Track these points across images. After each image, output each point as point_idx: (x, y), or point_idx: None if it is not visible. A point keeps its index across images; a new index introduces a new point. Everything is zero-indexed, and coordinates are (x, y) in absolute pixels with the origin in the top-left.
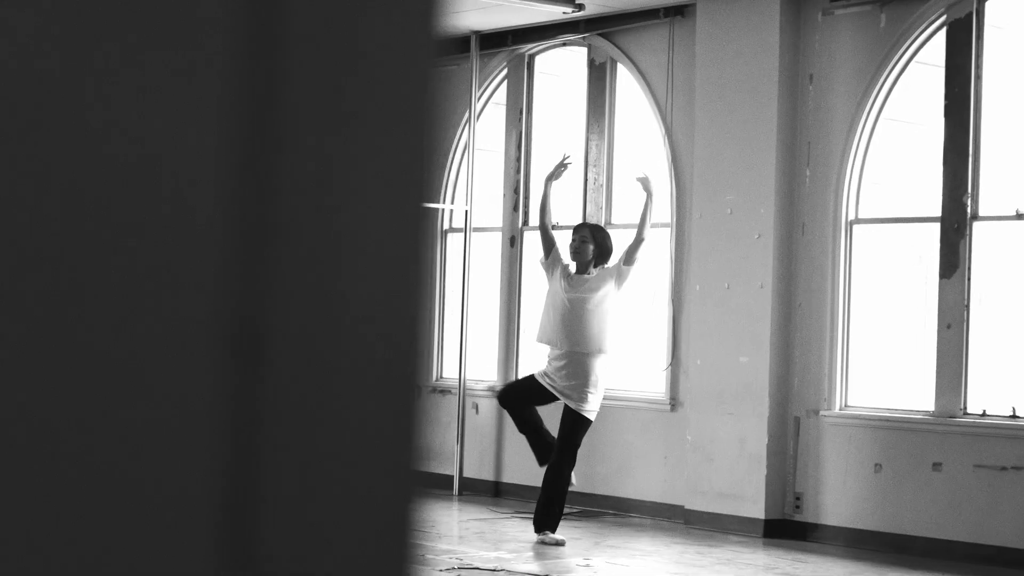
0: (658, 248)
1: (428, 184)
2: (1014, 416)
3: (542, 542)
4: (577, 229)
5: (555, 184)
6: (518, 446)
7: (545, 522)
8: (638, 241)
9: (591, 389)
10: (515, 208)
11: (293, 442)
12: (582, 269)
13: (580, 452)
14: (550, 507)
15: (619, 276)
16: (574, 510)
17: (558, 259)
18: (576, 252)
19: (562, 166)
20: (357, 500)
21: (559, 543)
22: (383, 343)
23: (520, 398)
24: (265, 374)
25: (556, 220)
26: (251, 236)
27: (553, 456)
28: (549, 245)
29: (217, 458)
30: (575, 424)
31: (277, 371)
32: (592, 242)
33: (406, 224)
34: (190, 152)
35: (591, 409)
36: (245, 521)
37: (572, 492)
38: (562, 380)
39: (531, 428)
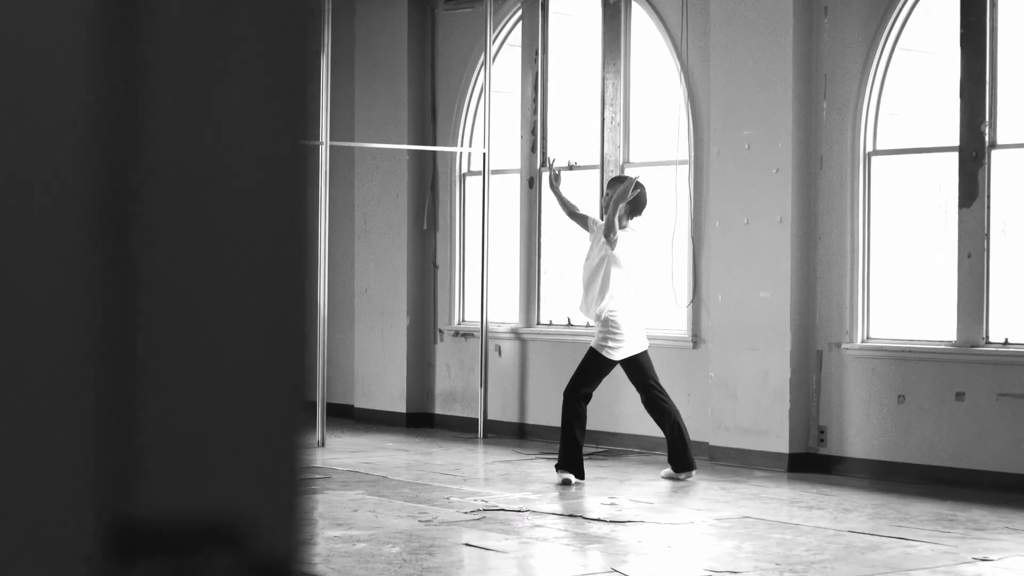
0: (677, 185)
1: (306, 122)
2: None
3: (565, 482)
4: (611, 186)
5: (562, 182)
6: (542, 388)
7: (561, 461)
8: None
9: (606, 337)
10: (533, 149)
11: (169, 376)
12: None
13: (605, 391)
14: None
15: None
16: (599, 450)
17: (591, 223)
18: (606, 208)
19: (557, 171)
20: (239, 432)
21: (565, 482)
22: (264, 271)
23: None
24: (141, 313)
25: (576, 206)
26: (121, 174)
27: (565, 389)
28: (584, 222)
29: (91, 397)
30: (589, 356)
31: (152, 307)
32: (639, 214)
33: (282, 159)
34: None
35: (604, 346)
36: (121, 457)
37: (599, 432)
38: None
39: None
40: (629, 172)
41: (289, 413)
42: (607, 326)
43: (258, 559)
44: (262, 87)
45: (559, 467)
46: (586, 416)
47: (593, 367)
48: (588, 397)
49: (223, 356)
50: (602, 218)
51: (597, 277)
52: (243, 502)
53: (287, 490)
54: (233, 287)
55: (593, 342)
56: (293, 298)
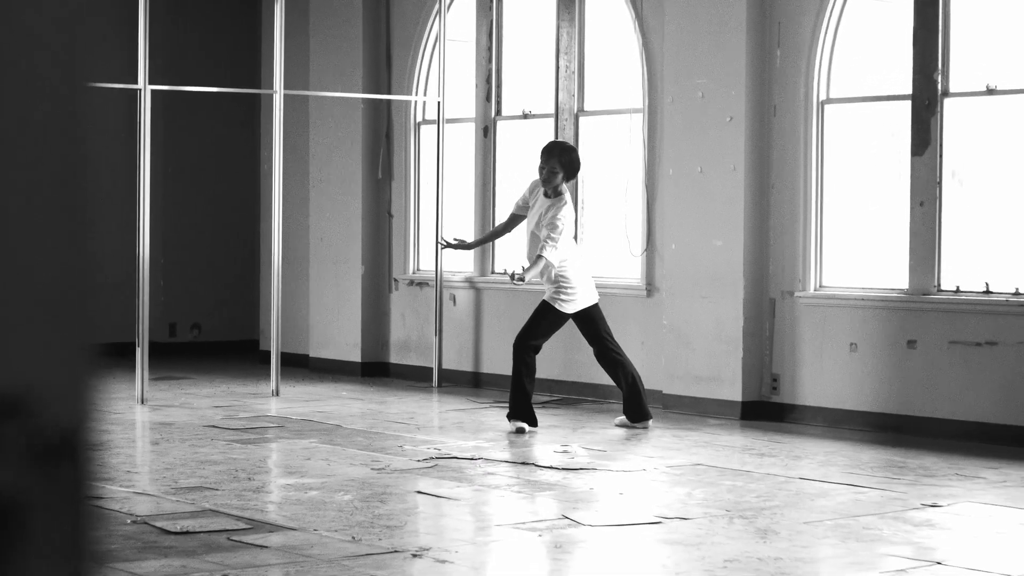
0: (631, 134)
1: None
2: (988, 291)
3: (518, 430)
4: (545, 157)
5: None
6: (496, 337)
7: (512, 410)
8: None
9: (559, 291)
10: (488, 98)
11: None
12: (548, 193)
13: (559, 340)
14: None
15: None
16: (553, 398)
17: (523, 197)
18: (546, 181)
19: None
20: (26, 309)
21: (518, 431)
22: (50, 171)
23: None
24: None
25: (505, 222)
26: None
27: (515, 339)
28: (522, 210)
29: None
30: (542, 308)
31: None
32: (561, 170)
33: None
34: None
35: (557, 299)
36: None
37: (553, 380)
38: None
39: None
40: (583, 121)
41: (75, 292)
42: (558, 282)
43: (46, 430)
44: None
45: (511, 416)
46: (535, 366)
47: (545, 320)
48: (538, 348)
49: (9, 239)
50: (547, 192)
51: (541, 237)
52: (31, 376)
53: (74, 365)
54: (23, 182)
55: (546, 295)
56: (74, 191)
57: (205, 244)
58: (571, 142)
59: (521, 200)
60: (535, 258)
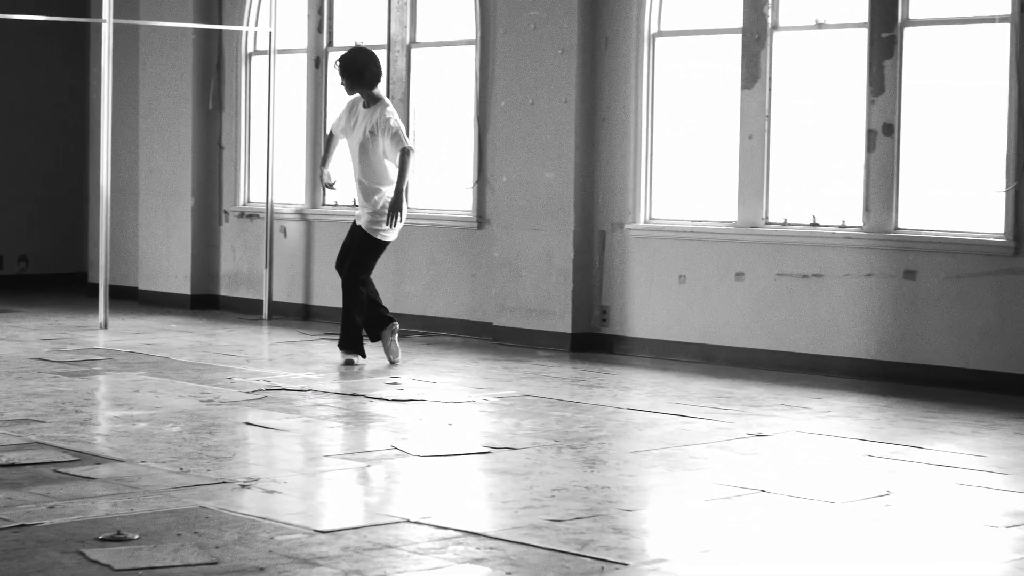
0: (463, 66)
1: None
2: (814, 224)
3: (348, 362)
4: (339, 71)
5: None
6: (327, 269)
7: (343, 341)
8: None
9: (378, 218)
10: (319, 29)
11: None
12: (365, 103)
13: (387, 271)
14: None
15: (382, 135)
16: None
17: (340, 117)
18: (349, 91)
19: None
20: None
21: (348, 362)
22: None
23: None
24: None
25: (330, 144)
26: None
27: (344, 274)
28: (332, 136)
29: None
30: (363, 242)
31: None
32: (347, 78)
33: None
34: None
35: (378, 229)
36: None
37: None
38: (360, 207)
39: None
40: (416, 52)
41: None
42: (380, 210)
43: None
44: None
45: (341, 348)
46: (366, 297)
47: (368, 251)
48: (367, 280)
49: None
50: (366, 102)
51: (367, 159)
52: None
53: None
54: None
55: (363, 224)
56: None
57: (33, 177)
58: (367, 50)
59: (337, 123)
60: (399, 171)
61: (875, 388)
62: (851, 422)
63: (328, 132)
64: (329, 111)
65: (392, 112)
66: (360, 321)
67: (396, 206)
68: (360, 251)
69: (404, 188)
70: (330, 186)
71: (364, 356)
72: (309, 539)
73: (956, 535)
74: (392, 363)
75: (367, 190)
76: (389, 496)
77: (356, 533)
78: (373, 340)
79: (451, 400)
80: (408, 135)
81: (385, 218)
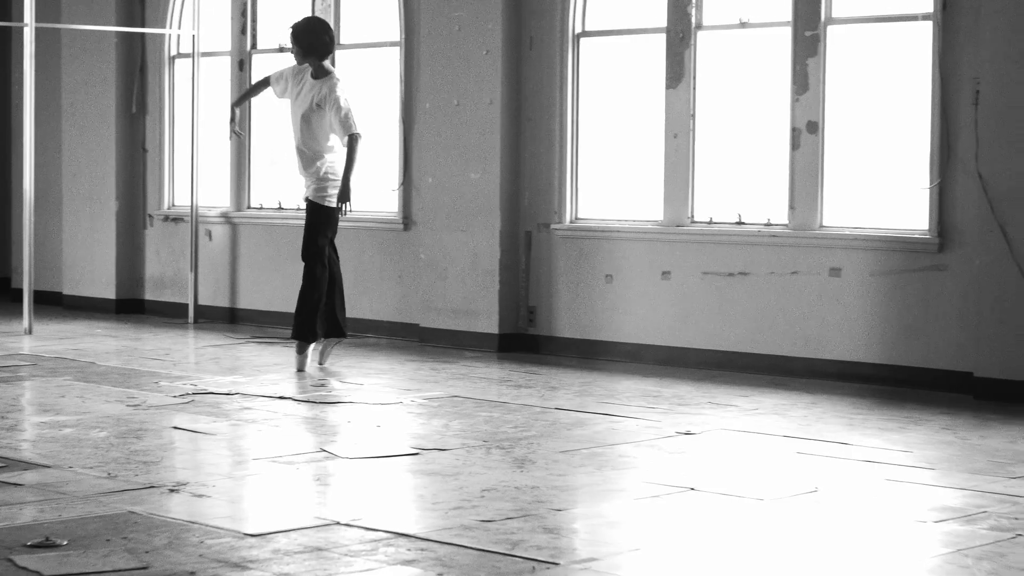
0: (387, 68)
1: None
2: (740, 223)
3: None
4: (291, 39)
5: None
6: (253, 272)
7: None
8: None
9: (324, 185)
10: (243, 31)
11: None
12: (314, 74)
13: None
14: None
15: (330, 110)
16: None
17: (284, 76)
18: (300, 61)
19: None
20: None
21: (301, 350)
22: None
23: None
24: None
25: (257, 85)
26: None
27: (302, 256)
28: (265, 82)
29: None
30: (313, 213)
31: None
32: (299, 45)
33: None
34: None
35: (325, 196)
36: None
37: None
38: (303, 176)
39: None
40: (340, 54)
41: None
42: (325, 177)
43: None
44: None
45: (295, 336)
46: (325, 277)
47: (320, 222)
48: (324, 251)
49: None
50: (315, 73)
51: (310, 130)
52: None
53: None
54: None
55: (310, 195)
56: None
57: None
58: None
59: (279, 79)
60: (348, 157)
61: (802, 385)
62: (779, 419)
63: (264, 78)
64: (254, 113)
65: (342, 90)
66: (317, 299)
67: (345, 195)
68: (312, 225)
69: (351, 175)
70: (237, 133)
71: (317, 337)
72: (239, 543)
73: (885, 530)
74: (320, 366)
75: (308, 159)
76: (318, 499)
77: (286, 536)
78: (320, 336)
79: (379, 402)
80: (354, 121)
81: (330, 183)
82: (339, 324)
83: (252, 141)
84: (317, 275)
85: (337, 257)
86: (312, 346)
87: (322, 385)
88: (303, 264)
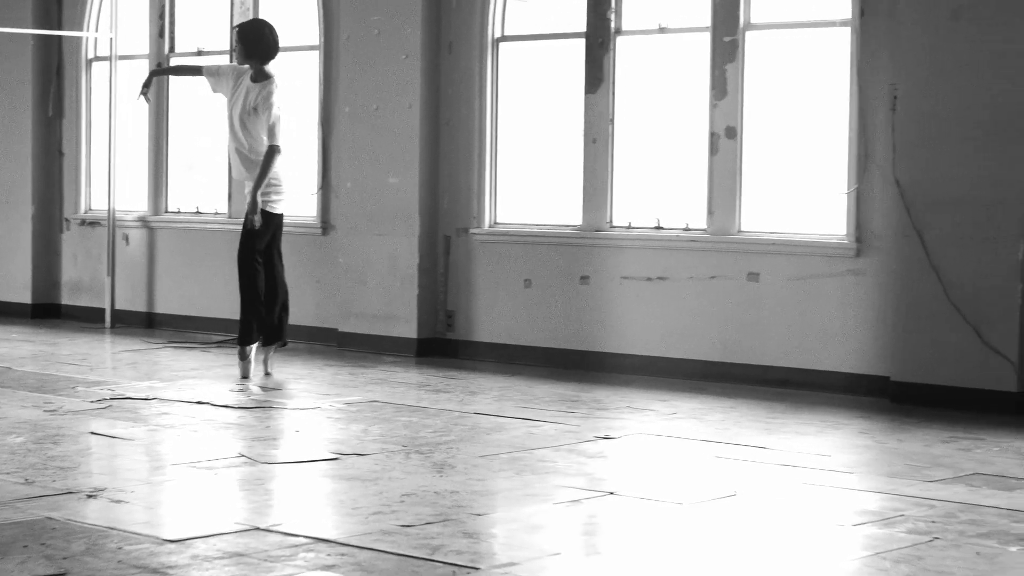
0: (307, 71)
1: None
2: (658, 227)
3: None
4: (236, 37)
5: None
6: (170, 277)
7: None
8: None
9: (270, 190)
10: (161, 35)
11: None
12: (254, 76)
13: (233, 276)
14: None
15: (263, 114)
16: (228, 337)
17: (223, 72)
18: (241, 62)
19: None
20: None
21: (243, 355)
22: None
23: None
24: None
25: (199, 66)
26: None
27: (238, 256)
28: (196, 70)
29: None
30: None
31: None
32: (242, 44)
33: None
34: None
35: (268, 201)
36: None
37: (227, 320)
38: (243, 179)
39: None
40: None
41: None
42: (268, 181)
43: None
44: None
45: (240, 342)
46: (262, 277)
47: (260, 226)
48: (260, 257)
49: None
50: (254, 76)
51: (248, 133)
52: None
53: None
54: None
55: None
56: None
57: None
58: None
59: (218, 73)
60: (261, 167)
61: (720, 390)
62: (697, 423)
63: (197, 65)
64: (171, 117)
65: (278, 98)
66: (255, 303)
67: (253, 207)
68: (250, 230)
69: (261, 188)
70: (145, 96)
71: (255, 340)
72: (158, 548)
73: (805, 534)
74: (266, 375)
75: (249, 162)
76: (238, 504)
77: (205, 542)
78: (263, 344)
79: (298, 407)
80: (278, 133)
81: (273, 189)
82: (280, 331)
83: (170, 146)
84: (252, 279)
85: (282, 265)
86: (255, 353)
87: (241, 390)
88: (237, 269)
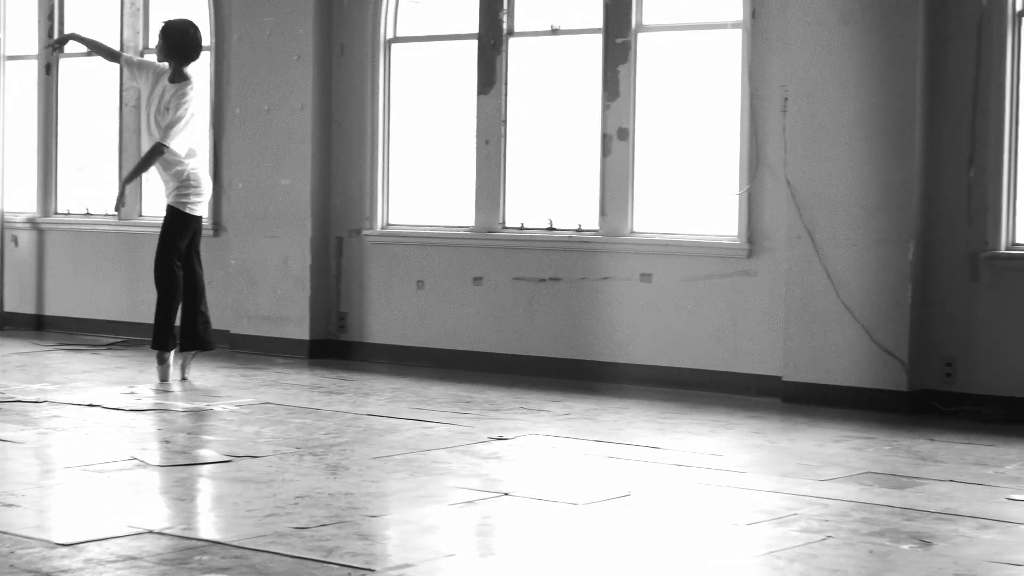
0: (200, 72)
1: None
2: (551, 228)
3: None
4: (159, 35)
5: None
6: (60, 279)
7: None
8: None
9: (185, 192)
10: (50, 34)
11: None
12: (171, 77)
13: (122, 279)
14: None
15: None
16: (119, 339)
17: (145, 67)
18: (160, 60)
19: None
20: None
21: (161, 360)
22: None
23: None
24: None
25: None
26: None
27: (155, 258)
28: (114, 56)
29: None
30: (171, 219)
31: None
32: (164, 40)
33: None
34: None
35: (186, 202)
36: None
37: (119, 322)
38: (162, 181)
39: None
40: (149, 58)
41: None
42: (187, 181)
43: None
44: None
45: (155, 346)
46: (180, 282)
47: (177, 228)
48: (179, 259)
49: None
50: (172, 76)
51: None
52: None
53: None
54: None
55: (170, 200)
56: None
57: None
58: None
59: (140, 68)
60: (144, 157)
61: (613, 390)
62: (590, 424)
63: (117, 52)
64: (60, 118)
65: (189, 101)
66: (172, 306)
67: (123, 183)
68: (168, 232)
69: (134, 178)
70: (54, 48)
71: (174, 345)
72: (51, 552)
73: (699, 534)
74: (183, 379)
75: (168, 163)
76: (130, 507)
77: (98, 545)
78: (181, 349)
79: (191, 409)
80: (173, 134)
81: (192, 190)
82: (199, 336)
83: (59, 146)
84: (170, 282)
85: (201, 267)
86: (173, 357)
87: (132, 393)
88: (156, 272)
